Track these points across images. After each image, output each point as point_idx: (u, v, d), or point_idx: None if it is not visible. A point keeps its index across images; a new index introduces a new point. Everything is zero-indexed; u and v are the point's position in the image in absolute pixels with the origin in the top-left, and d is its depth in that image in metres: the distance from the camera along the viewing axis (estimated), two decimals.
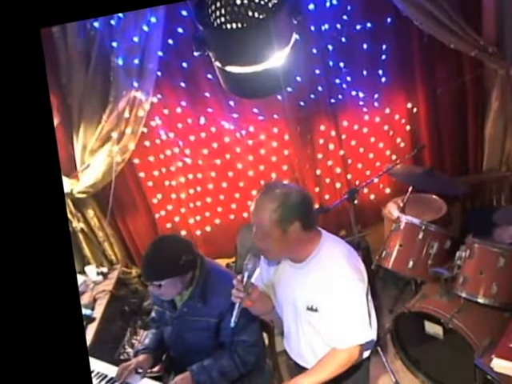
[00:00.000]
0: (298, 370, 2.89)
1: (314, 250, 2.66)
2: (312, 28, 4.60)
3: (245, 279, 2.59)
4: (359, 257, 2.77)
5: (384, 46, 4.79)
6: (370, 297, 2.71)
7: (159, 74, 4.48)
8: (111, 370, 3.29)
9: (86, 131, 4.47)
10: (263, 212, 2.53)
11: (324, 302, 2.61)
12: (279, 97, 4.73)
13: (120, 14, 4.12)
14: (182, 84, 4.68)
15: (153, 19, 4.16)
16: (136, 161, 4.88)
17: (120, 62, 4.27)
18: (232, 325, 2.57)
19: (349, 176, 5.32)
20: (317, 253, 2.66)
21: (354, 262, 2.67)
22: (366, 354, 2.80)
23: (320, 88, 4.85)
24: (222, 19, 2.41)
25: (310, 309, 2.67)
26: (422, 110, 5.15)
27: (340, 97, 4.94)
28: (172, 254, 3.03)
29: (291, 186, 2.74)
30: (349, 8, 4.61)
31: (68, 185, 4.51)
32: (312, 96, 4.87)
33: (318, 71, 4.78)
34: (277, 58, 2.36)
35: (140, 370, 3.23)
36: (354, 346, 2.63)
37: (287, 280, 2.77)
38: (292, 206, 2.53)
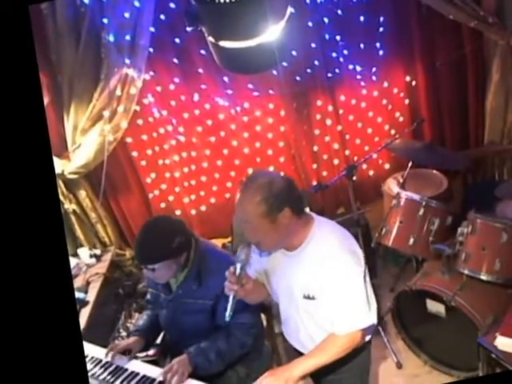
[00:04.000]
0: (297, 353, 2.86)
1: (307, 237, 2.60)
2: (307, 0, 4.54)
3: (237, 271, 2.51)
4: (355, 239, 2.70)
5: (381, 18, 4.75)
6: (368, 279, 2.63)
7: (151, 50, 4.42)
8: None
9: (77, 110, 4.42)
10: (248, 206, 2.45)
11: (321, 290, 2.55)
12: (274, 72, 4.67)
13: None
14: (175, 60, 4.62)
15: None
16: (128, 140, 4.84)
17: (111, 38, 4.21)
18: (227, 319, 2.51)
19: (347, 152, 5.28)
20: (310, 239, 2.59)
21: (350, 246, 2.60)
22: (367, 337, 2.74)
23: (316, 62, 4.80)
24: None
25: (307, 297, 2.61)
26: (421, 82, 5.12)
27: (337, 71, 4.90)
28: (164, 236, 2.97)
29: (272, 174, 2.70)
30: None
31: (59, 165, 4.47)
32: (308, 70, 4.83)
33: (313, 45, 4.73)
34: (271, 32, 2.37)
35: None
36: (355, 332, 2.57)
37: (281, 269, 2.71)
38: (278, 193, 2.45)
